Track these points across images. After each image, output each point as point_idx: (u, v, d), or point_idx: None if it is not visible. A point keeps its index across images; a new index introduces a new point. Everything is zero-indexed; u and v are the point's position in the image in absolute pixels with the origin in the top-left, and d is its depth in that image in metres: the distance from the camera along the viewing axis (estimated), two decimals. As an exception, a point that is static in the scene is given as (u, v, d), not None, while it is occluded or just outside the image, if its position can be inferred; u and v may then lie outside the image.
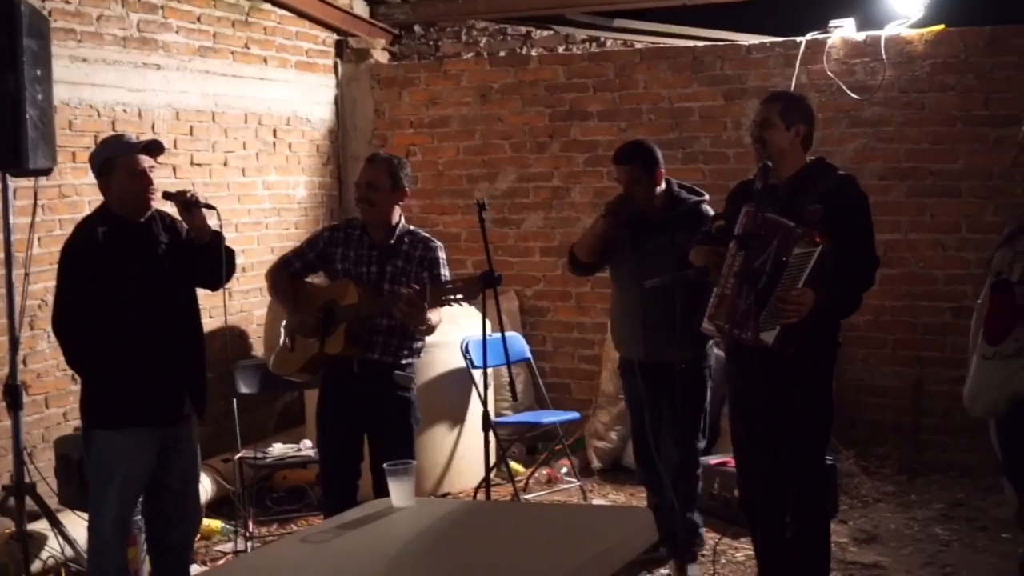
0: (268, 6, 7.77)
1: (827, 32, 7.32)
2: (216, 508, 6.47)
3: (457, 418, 6.88)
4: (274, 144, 7.89)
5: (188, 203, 4.53)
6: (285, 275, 5.21)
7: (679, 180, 5.58)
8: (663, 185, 5.40)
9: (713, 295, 4.53)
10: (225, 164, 7.43)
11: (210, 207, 4.57)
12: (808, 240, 4.28)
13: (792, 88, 7.15)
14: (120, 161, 4.44)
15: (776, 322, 4.33)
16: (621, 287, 5.53)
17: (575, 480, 6.95)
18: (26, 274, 5.22)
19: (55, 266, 4.61)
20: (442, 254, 5.12)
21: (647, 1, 8.16)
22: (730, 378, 4.97)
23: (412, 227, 5.18)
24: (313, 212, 8.25)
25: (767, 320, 4.33)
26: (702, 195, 5.48)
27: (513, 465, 7.03)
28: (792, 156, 4.58)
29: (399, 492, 3.64)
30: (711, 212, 5.30)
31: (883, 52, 7.11)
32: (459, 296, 4.78)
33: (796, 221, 4.35)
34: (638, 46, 8.19)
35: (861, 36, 7.23)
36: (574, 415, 7.03)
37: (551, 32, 8.58)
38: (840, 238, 4.35)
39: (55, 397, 6.24)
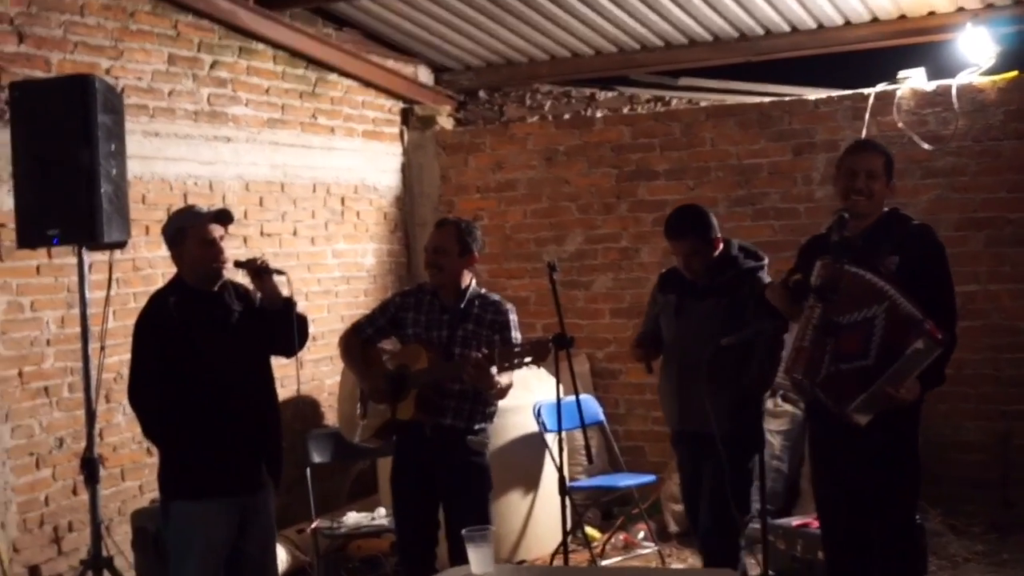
0: (335, 76, 7.88)
1: (896, 83, 7.27)
2: (291, 579, 6.45)
3: (531, 483, 6.82)
4: (342, 212, 7.96)
5: (259, 270, 4.56)
6: (357, 341, 5.22)
7: (741, 241, 5.31)
8: (720, 248, 5.14)
9: (790, 347, 4.43)
10: (295, 233, 7.50)
11: (281, 273, 4.60)
12: (931, 338, 4.12)
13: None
14: (191, 231, 4.50)
15: (876, 408, 4.23)
16: (663, 353, 5.29)
17: (653, 544, 6.84)
18: (102, 347, 5.27)
19: (130, 339, 4.64)
20: (513, 317, 5.09)
21: (710, 59, 8.16)
22: (810, 435, 4.87)
23: (483, 290, 5.17)
24: (382, 279, 8.30)
25: (866, 404, 4.21)
26: (762, 259, 5.18)
27: (589, 530, 6.94)
28: (880, 209, 4.52)
29: (478, 558, 3.60)
30: (767, 279, 5.04)
31: (955, 101, 7.03)
32: (529, 359, 4.74)
33: (872, 272, 4.27)
34: (703, 104, 8.18)
35: (931, 86, 7.16)
36: (650, 478, 6.94)
37: (615, 93, 8.61)
38: (918, 289, 4.27)
39: (131, 470, 6.28)
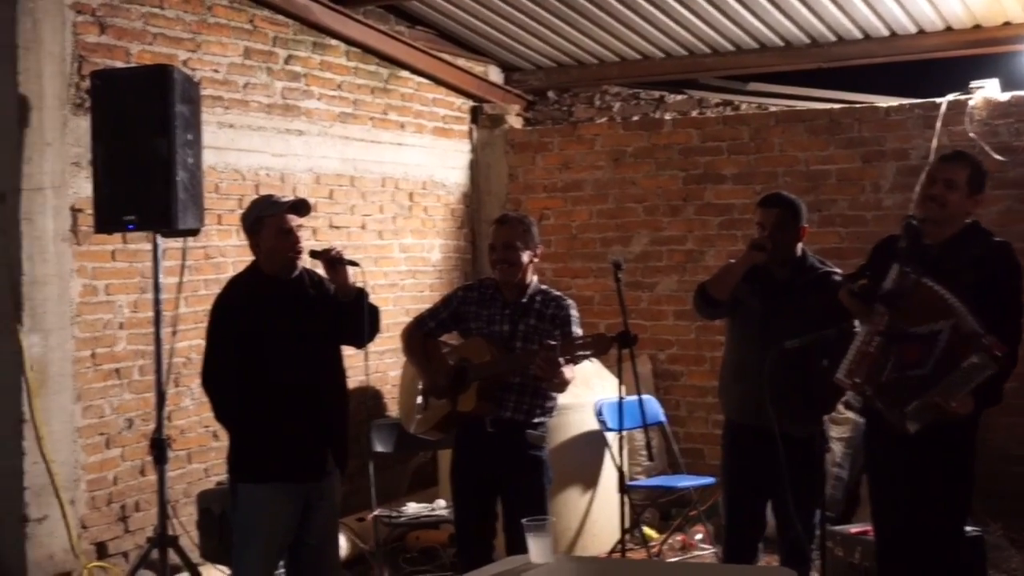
0: (406, 74, 7.96)
1: (969, 93, 7.20)
2: (350, 566, 6.50)
3: (590, 481, 6.83)
4: (410, 208, 8.05)
5: (334, 260, 4.61)
6: (419, 334, 5.28)
7: (813, 252, 5.30)
8: (800, 246, 5.17)
9: (853, 349, 4.40)
10: (363, 227, 7.59)
11: (355, 264, 4.65)
12: (988, 354, 4.06)
13: (933, 150, 7.06)
14: (269, 220, 4.57)
15: (927, 418, 4.19)
16: (739, 346, 5.26)
17: (710, 547, 6.83)
18: (173, 332, 5.39)
19: (199, 325, 4.75)
20: (574, 312, 5.12)
21: (780, 64, 8.13)
22: (867, 441, 4.85)
23: (545, 286, 5.21)
24: (447, 275, 8.37)
25: (917, 412, 4.19)
26: (836, 269, 5.17)
27: (646, 530, 6.95)
28: (959, 221, 4.47)
29: (538, 548, 3.63)
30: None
31: (1028, 112, 6.96)
32: (589, 352, 4.78)
33: (947, 285, 4.22)
34: (773, 109, 8.16)
35: (1005, 96, 7.09)
36: (709, 480, 6.87)
37: (684, 96, 8.61)
38: (987, 306, 4.20)
39: (197, 453, 6.40)
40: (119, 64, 5.90)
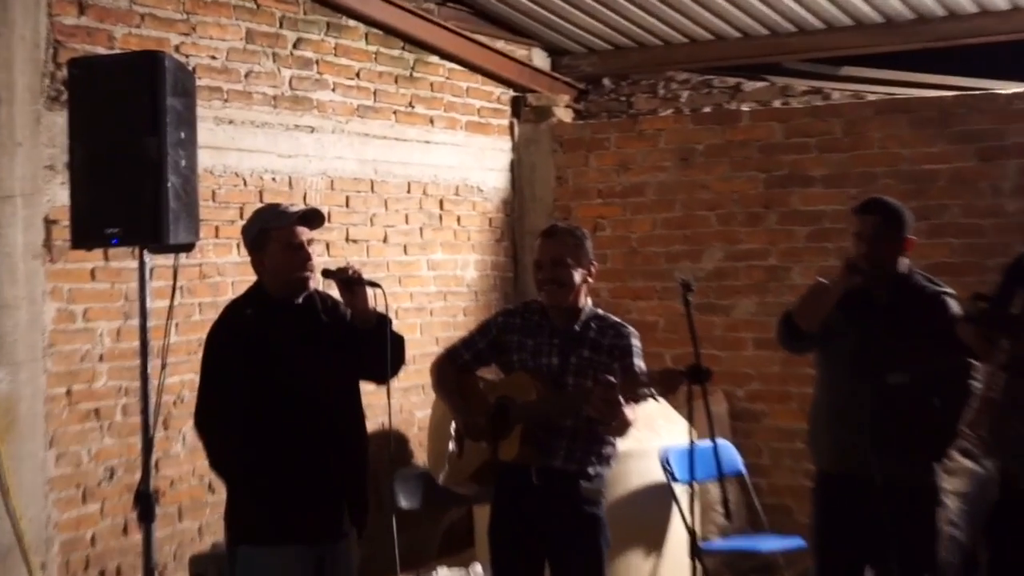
0: (436, 59, 7.98)
1: (1105, 77, 7.14)
2: (370, 644, 6.50)
3: (655, 542, 6.79)
4: (440, 217, 8.05)
5: (351, 281, 4.60)
6: (452, 368, 5.26)
7: (920, 268, 5.25)
8: (905, 262, 5.13)
9: (976, 395, 4.36)
10: (385, 240, 7.60)
11: (376, 286, 4.63)
12: None
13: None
14: (275, 233, 4.57)
15: None
16: (832, 382, 5.21)
17: (799, 623, 6.78)
18: (163, 365, 5.37)
19: (193, 356, 4.75)
20: (636, 342, 5.07)
21: (880, 45, 8.11)
22: (990, 498, 4.78)
23: (601, 311, 5.18)
24: (484, 296, 8.36)
25: None
26: (948, 289, 5.09)
27: (722, 601, 6.91)
28: None
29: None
30: (957, 309, 4.91)
31: None
32: (655, 390, 4.73)
33: None
34: (871, 98, 8.11)
35: None
36: (798, 542, 6.80)
37: (765, 83, 8.58)
38: None
39: (190, 509, 6.40)
40: (101, 50, 5.95)
